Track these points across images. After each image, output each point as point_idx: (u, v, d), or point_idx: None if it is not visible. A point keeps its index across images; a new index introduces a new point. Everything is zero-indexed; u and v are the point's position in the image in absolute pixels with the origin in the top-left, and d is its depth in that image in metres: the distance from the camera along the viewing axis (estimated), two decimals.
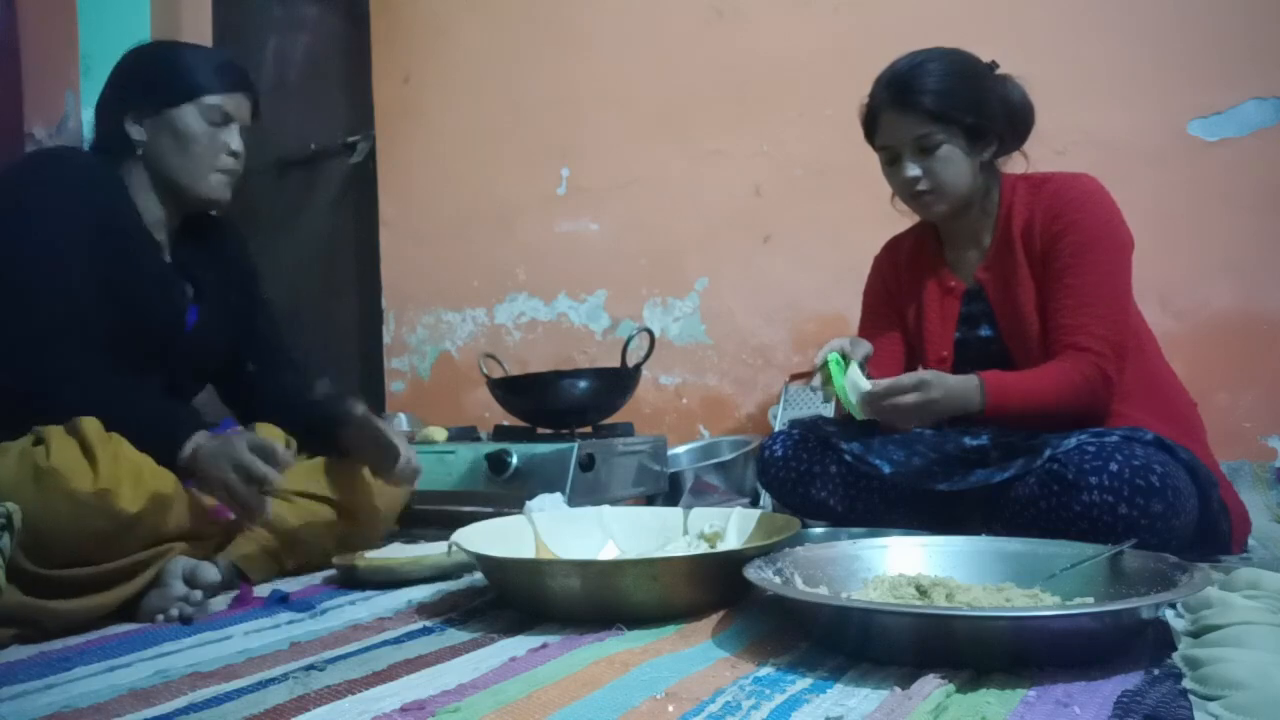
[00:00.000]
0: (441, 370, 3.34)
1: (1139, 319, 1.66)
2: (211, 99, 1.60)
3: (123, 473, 1.31)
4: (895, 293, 1.83)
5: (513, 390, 2.28)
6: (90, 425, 1.32)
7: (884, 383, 1.48)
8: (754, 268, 2.80)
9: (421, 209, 3.36)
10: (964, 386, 1.51)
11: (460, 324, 3.30)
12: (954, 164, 1.61)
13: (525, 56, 3.16)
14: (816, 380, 1.54)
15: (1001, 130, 1.64)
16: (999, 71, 1.66)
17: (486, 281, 3.24)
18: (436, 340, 3.35)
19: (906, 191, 1.66)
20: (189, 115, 1.60)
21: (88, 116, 2.89)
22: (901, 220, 1.81)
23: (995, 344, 1.68)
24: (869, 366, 1.60)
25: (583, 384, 2.23)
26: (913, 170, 1.62)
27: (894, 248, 1.87)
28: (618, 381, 2.28)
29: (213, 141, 1.61)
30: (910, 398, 1.47)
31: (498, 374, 2.33)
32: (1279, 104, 2.20)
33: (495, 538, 1.44)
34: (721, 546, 1.48)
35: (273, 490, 1.43)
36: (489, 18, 3.23)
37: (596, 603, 1.24)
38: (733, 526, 1.52)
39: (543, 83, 3.12)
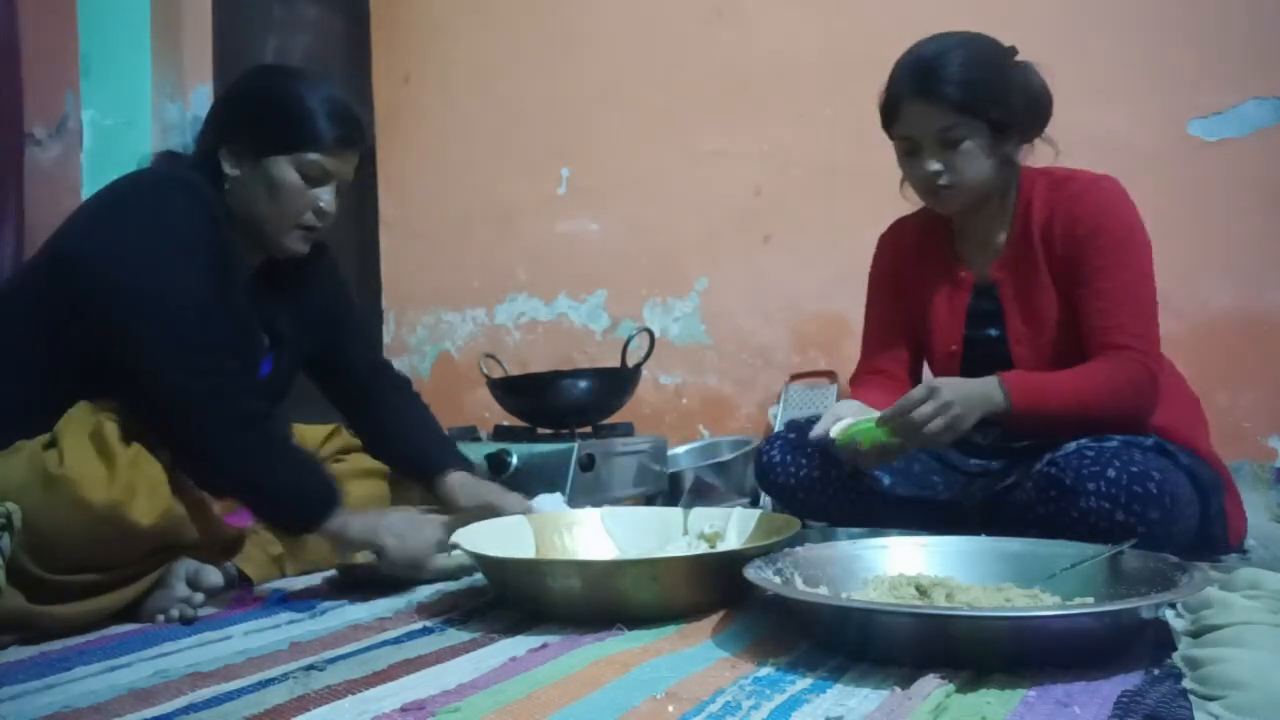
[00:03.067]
0: (441, 370, 3.33)
1: None
2: (313, 156, 1.49)
3: (139, 483, 1.29)
4: (902, 277, 1.77)
5: (513, 390, 2.28)
6: (113, 430, 1.30)
7: (894, 405, 1.42)
8: (754, 268, 2.80)
9: (421, 209, 3.36)
10: (981, 386, 1.45)
11: (460, 324, 3.30)
12: (976, 159, 1.54)
13: (525, 56, 3.16)
14: (842, 453, 1.48)
15: (1023, 123, 1.57)
16: (1017, 58, 1.59)
17: (486, 281, 3.24)
18: (436, 340, 3.34)
19: (925, 186, 1.58)
20: (284, 169, 1.48)
21: (88, 116, 2.90)
22: (905, 208, 1.78)
23: (999, 346, 1.63)
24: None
25: (583, 384, 2.23)
26: (933, 165, 1.54)
27: (900, 230, 1.81)
28: (618, 381, 2.28)
29: (302, 198, 1.50)
30: (925, 408, 1.40)
31: (498, 374, 2.33)
32: (1279, 104, 2.20)
33: (495, 538, 1.44)
34: (721, 546, 1.48)
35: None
36: (489, 18, 3.23)
37: (596, 603, 1.24)
38: (733, 526, 1.52)
39: (543, 83, 3.12)
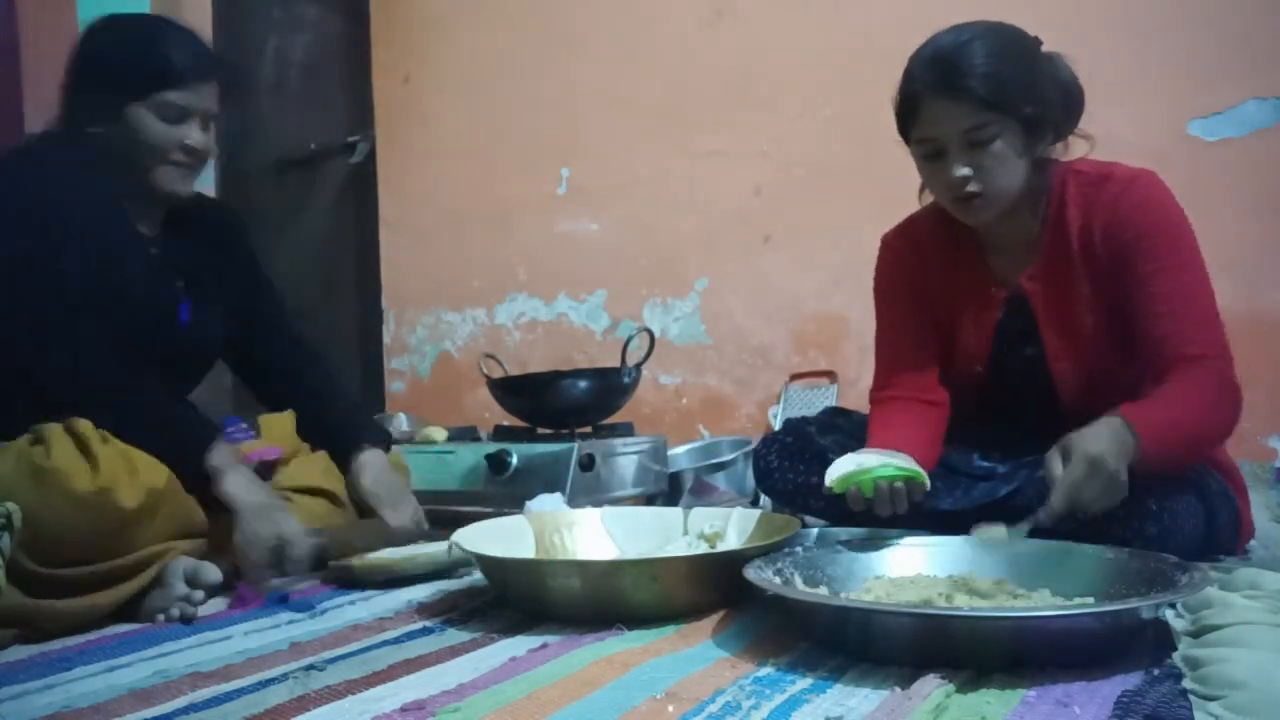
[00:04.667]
0: (441, 370, 3.33)
1: None
2: (168, 95, 1.52)
3: (119, 469, 1.31)
4: (921, 285, 1.61)
5: (512, 390, 2.28)
6: (86, 424, 1.32)
7: (1055, 497, 1.26)
8: (754, 268, 2.80)
9: (421, 209, 3.36)
10: (1114, 435, 1.28)
11: (460, 324, 3.30)
12: (1008, 161, 1.39)
13: (525, 56, 3.16)
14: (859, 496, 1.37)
15: (1057, 119, 1.44)
16: (1044, 49, 1.47)
17: (486, 281, 3.24)
18: (436, 340, 3.34)
19: (951, 194, 1.42)
20: (140, 115, 1.51)
21: None
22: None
23: (1038, 364, 1.52)
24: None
25: (583, 384, 2.23)
26: (961, 169, 1.39)
27: (913, 231, 1.64)
28: (618, 381, 2.28)
29: (166, 139, 1.53)
30: (1095, 484, 1.25)
31: (498, 374, 2.32)
32: (1279, 104, 2.20)
33: (495, 538, 1.44)
34: (721, 546, 1.48)
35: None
36: (489, 18, 3.23)
37: (596, 603, 1.24)
38: (733, 526, 1.52)
39: (543, 83, 3.12)
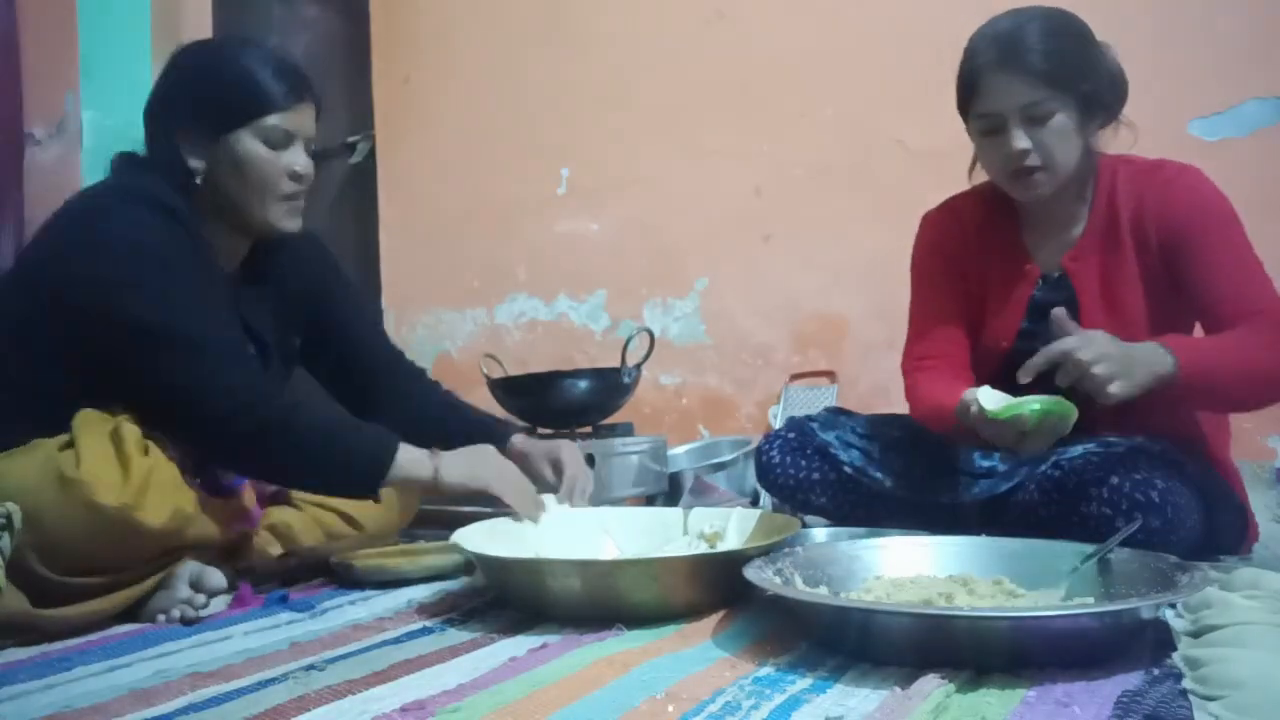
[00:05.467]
0: (441, 370, 3.33)
1: None
2: (271, 120, 1.44)
3: (150, 485, 1.29)
4: (959, 260, 1.64)
5: (513, 390, 2.28)
6: (132, 432, 1.30)
7: (1032, 361, 1.26)
8: (754, 268, 2.80)
9: (421, 209, 3.36)
10: (1145, 349, 1.30)
11: (460, 324, 3.30)
12: (1066, 138, 1.43)
13: (525, 56, 3.16)
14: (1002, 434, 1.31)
15: (1108, 101, 1.48)
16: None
17: (486, 281, 3.24)
18: (436, 340, 3.34)
19: (1010, 167, 1.45)
20: (246, 142, 1.44)
21: (88, 117, 2.89)
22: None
23: None
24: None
25: (583, 384, 2.23)
26: (1022, 141, 1.42)
27: (954, 209, 1.67)
28: (618, 381, 2.28)
29: (274, 166, 1.46)
30: (1086, 354, 1.24)
31: (498, 374, 2.32)
32: (1279, 104, 2.20)
33: (495, 538, 1.44)
34: (721, 546, 1.48)
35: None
36: (489, 18, 3.23)
37: (596, 603, 1.24)
38: (733, 526, 1.52)
39: (543, 83, 3.12)
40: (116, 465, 1.27)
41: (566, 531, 1.53)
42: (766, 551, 1.27)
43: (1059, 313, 1.34)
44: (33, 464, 1.27)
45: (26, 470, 1.26)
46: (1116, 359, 1.25)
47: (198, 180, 1.46)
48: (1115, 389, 1.25)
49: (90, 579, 1.28)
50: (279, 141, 1.46)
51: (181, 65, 1.49)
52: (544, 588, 1.27)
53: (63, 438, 1.30)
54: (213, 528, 1.42)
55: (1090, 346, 1.25)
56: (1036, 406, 1.28)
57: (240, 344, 1.48)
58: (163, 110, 1.48)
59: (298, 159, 1.48)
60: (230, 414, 1.36)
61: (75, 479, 1.24)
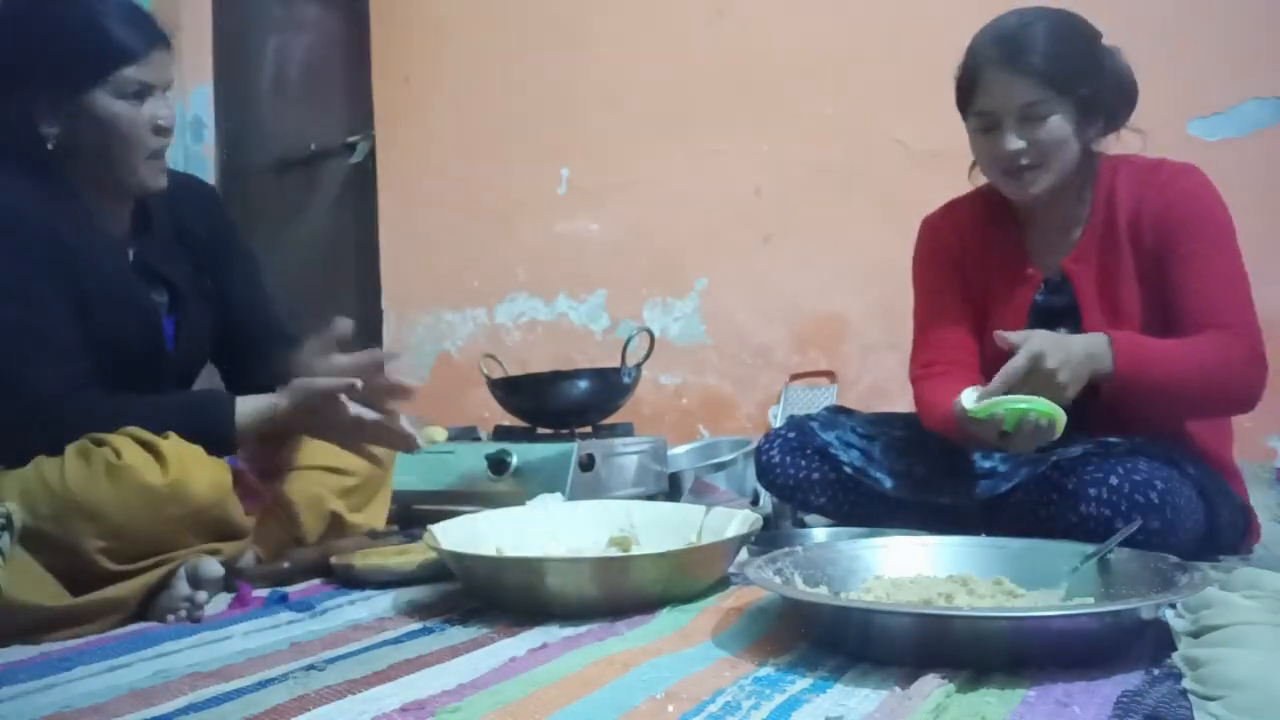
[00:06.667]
0: (441, 370, 3.33)
1: None
2: (128, 72, 1.34)
3: (189, 462, 1.31)
4: (962, 263, 1.64)
5: (513, 390, 2.28)
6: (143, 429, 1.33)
7: (995, 380, 1.31)
8: (754, 268, 2.80)
9: (421, 209, 3.36)
10: (1088, 346, 1.34)
11: (460, 324, 3.30)
12: (1061, 140, 1.44)
13: (525, 56, 3.16)
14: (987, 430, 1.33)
15: (1111, 106, 1.49)
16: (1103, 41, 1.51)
17: (486, 281, 3.24)
18: (436, 340, 3.34)
19: (1003, 165, 1.47)
20: (104, 101, 1.34)
21: None
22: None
23: None
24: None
25: (583, 384, 2.23)
26: (1015, 142, 1.43)
27: (953, 214, 1.68)
28: (618, 381, 2.28)
29: (137, 123, 1.36)
30: (1032, 382, 1.29)
31: (498, 374, 2.32)
32: (1279, 104, 2.20)
33: (466, 536, 1.45)
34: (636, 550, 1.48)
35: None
36: (489, 18, 3.23)
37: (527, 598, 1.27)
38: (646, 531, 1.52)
39: (543, 83, 3.12)
40: (148, 454, 1.30)
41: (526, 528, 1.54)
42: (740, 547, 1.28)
43: (1000, 335, 1.36)
44: (76, 463, 1.28)
45: (75, 469, 1.28)
46: (1039, 380, 1.30)
47: (49, 147, 1.36)
48: (1062, 377, 1.30)
49: (147, 563, 1.30)
50: (139, 94, 1.36)
51: (14, 20, 1.37)
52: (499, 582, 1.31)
53: (93, 436, 1.31)
54: (241, 513, 1.44)
55: (1023, 382, 1.29)
56: (1015, 406, 1.30)
57: (66, 334, 1.38)
58: (4, 84, 1.37)
59: (160, 110, 1.39)
60: (34, 410, 1.34)
61: (123, 465, 1.26)
